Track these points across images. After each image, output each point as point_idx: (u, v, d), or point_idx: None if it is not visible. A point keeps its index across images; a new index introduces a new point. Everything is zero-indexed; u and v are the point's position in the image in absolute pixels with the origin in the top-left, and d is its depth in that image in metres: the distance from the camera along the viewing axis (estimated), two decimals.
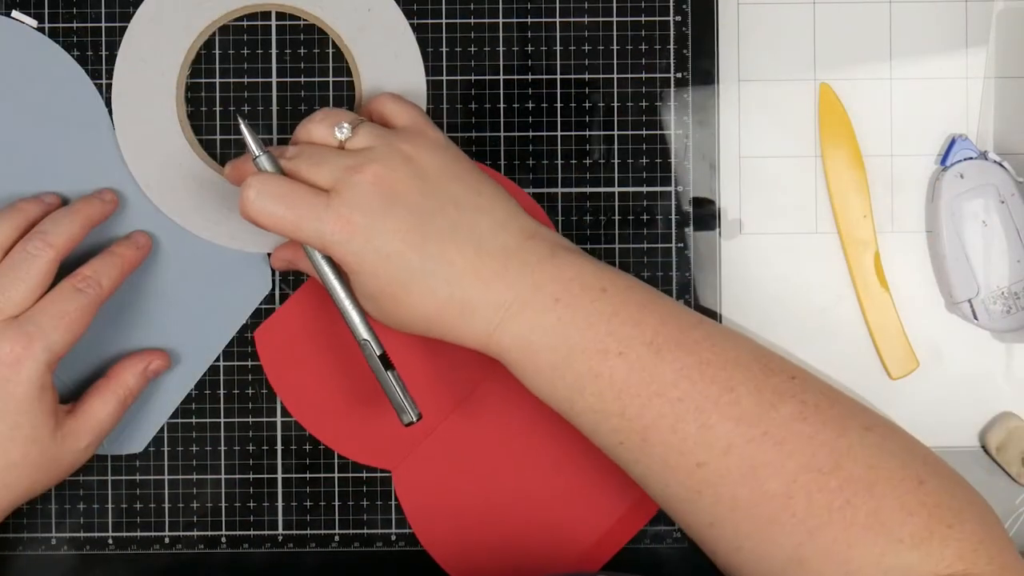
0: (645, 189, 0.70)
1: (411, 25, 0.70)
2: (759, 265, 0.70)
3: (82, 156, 0.69)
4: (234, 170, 0.65)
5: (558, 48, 0.70)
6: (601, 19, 0.70)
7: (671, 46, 0.70)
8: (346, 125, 0.62)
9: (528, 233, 0.61)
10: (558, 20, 0.70)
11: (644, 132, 0.70)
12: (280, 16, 0.70)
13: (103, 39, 0.70)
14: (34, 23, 0.70)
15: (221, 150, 0.70)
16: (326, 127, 0.62)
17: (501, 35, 0.70)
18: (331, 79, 0.70)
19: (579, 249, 0.62)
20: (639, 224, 0.70)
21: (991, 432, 0.69)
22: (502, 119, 0.70)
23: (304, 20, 0.70)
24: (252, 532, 0.70)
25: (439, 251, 0.59)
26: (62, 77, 0.69)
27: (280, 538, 0.70)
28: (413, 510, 0.69)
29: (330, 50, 0.70)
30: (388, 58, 0.69)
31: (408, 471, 0.69)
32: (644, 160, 0.70)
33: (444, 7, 0.70)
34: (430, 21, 0.70)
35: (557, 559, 0.69)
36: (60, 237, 0.64)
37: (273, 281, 0.70)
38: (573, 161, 0.70)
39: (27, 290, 0.62)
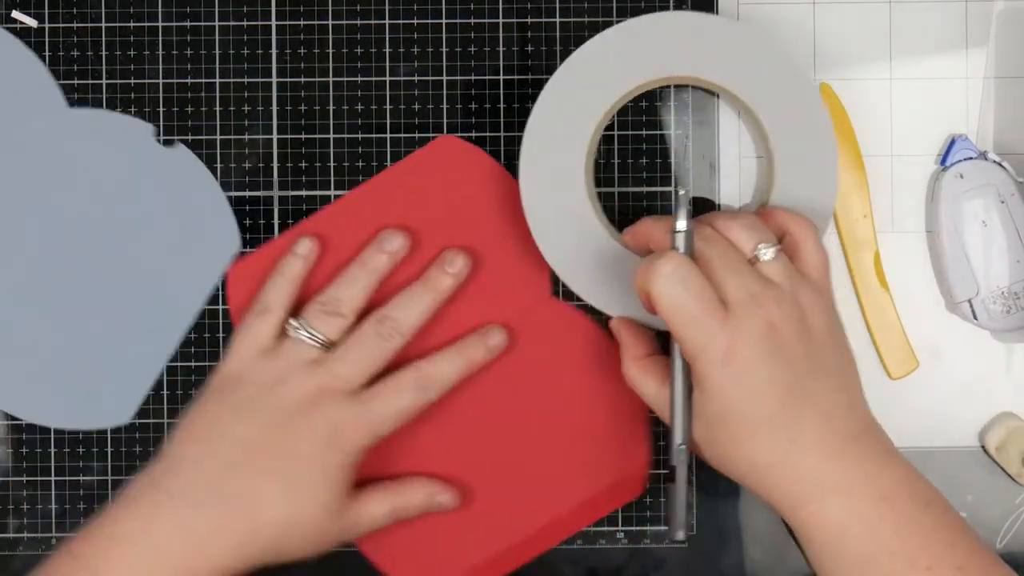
0: (645, 189, 0.70)
1: (411, 25, 0.70)
2: None
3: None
4: (634, 237, 0.66)
5: (558, 48, 0.70)
6: (601, 19, 0.70)
7: None
8: (772, 249, 0.61)
9: (867, 423, 0.62)
10: (558, 20, 0.70)
11: (644, 132, 0.70)
12: (280, 16, 0.70)
13: (103, 39, 0.70)
14: (34, 23, 0.70)
15: (221, 150, 0.70)
16: (749, 238, 0.62)
17: (501, 35, 0.70)
18: (331, 79, 0.70)
19: (903, 455, 0.63)
20: None
21: (991, 432, 0.69)
22: (502, 119, 0.70)
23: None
24: None
25: (795, 413, 0.59)
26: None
27: None
28: None
29: (330, 50, 0.70)
30: (807, 156, 0.68)
31: None
32: (644, 160, 0.70)
33: (444, 7, 0.70)
34: (430, 21, 0.70)
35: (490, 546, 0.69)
36: (409, 326, 0.66)
37: (243, 239, 0.69)
38: None
39: (371, 367, 0.65)
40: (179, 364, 0.70)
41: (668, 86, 0.69)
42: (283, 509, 0.62)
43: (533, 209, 0.67)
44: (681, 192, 0.62)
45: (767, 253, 0.61)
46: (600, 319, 0.68)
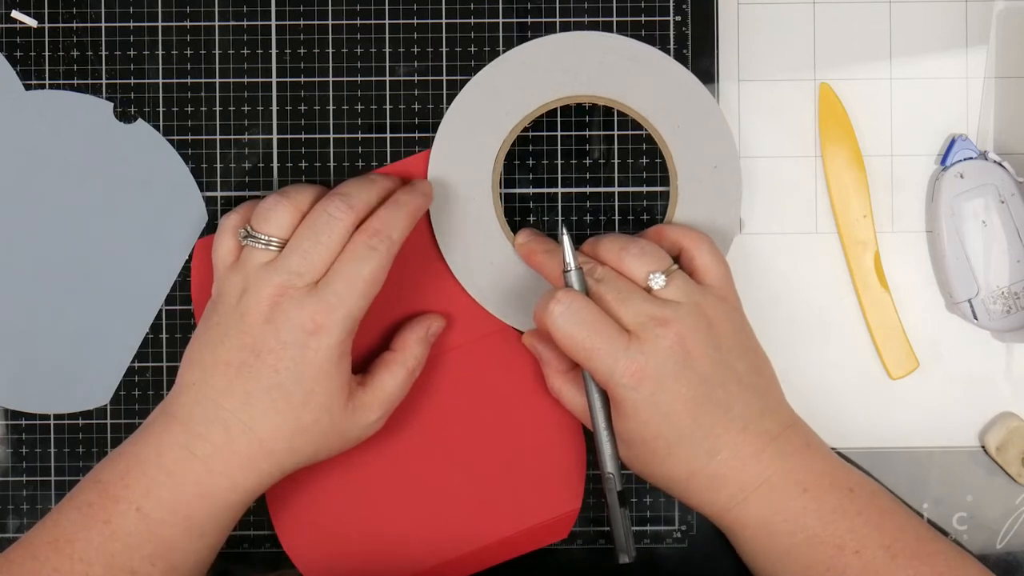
0: (645, 189, 0.70)
1: (411, 25, 0.70)
2: (759, 265, 0.70)
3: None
4: (530, 254, 0.66)
5: None
6: (601, 19, 0.70)
7: (671, 46, 0.70)
8: (662, 278, 0.62)
9: (788, 422, 0.63)
10: (558, 20, 0.70)
11: (644, 132, 0.70)
12: (280, 16, 0.70)
13: (103, 39, 0.70)
14: (34, 23, 0.70)
15: (221, 150, 0.70)
16: (641, 266, 0.62)
17: (501, 35, 0.70)
18: (331, 79, 0.70)
19: (828, 447, 0.64)
20: (639, 224, 0.70)
21: (991, 432, 0.69)
22: None
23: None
24: (252, 532, 0.70)
25: (710, 423, 0.61)
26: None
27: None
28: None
29: (330, 50, 0.70)
30: (707, 169, 0.69)
31: None
32: (644, 160, 0.70)
33: (444, 7, 0.70)
34: (430, 21, 0.70)
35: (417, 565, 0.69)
36: (360, 201, 0.63)
37: (208, 212, 0.70)
38: (573, 161, 0.70)
39: (327, 253, 0.61)
40: (163, 350, 0.70)
41: (571, 105, 0.69)
42: (281, 426, 0.61)
43: (440, 223, 0.69)
44: (564, 231, 0.63)
45: (658, 281, 0.62)
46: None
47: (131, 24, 0.70)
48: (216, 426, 0.61)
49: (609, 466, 0.63)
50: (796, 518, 0.61)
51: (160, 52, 0.70)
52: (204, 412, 0.61)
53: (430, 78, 0.70)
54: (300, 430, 0.62)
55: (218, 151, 0.70)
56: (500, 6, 0.70)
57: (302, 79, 0.70)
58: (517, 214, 0.70)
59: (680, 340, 0.60)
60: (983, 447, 0.70)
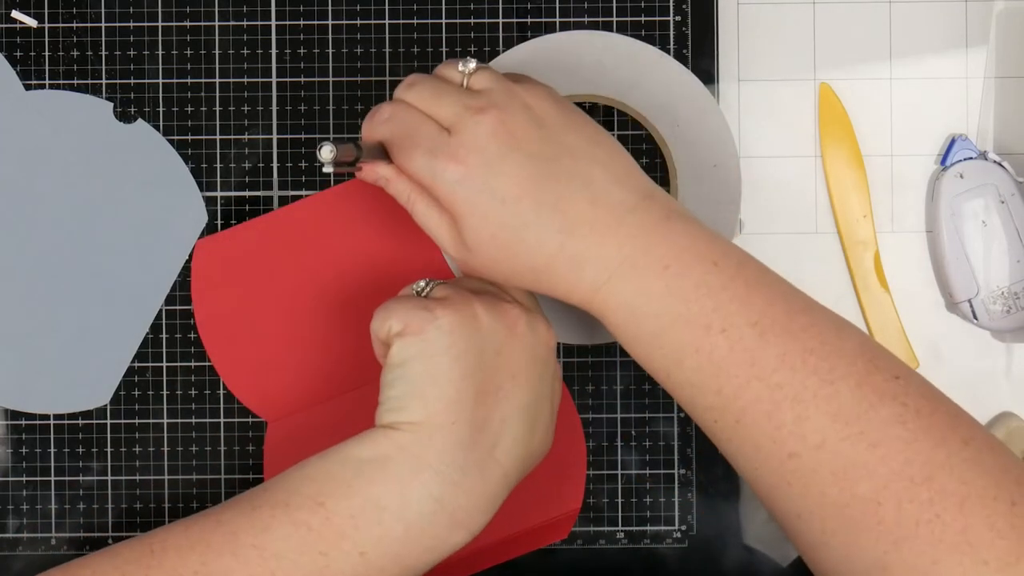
0: None
1: (411, 25, 0.70)
2: None
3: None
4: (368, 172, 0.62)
5: None
6: (601, 19, 0.70)
7: (671, 46, 0.70)
8: (472, 61, 0.60)
9: (644, 192, 0.59)
10: (558, 20, 0.70)
11: (644, 132, 0.70)
12: (280, 16, 0.70)
13: (103, 39, 0.70)
14: (34, 23, 0.70)
15: (221, 150, 0.70)
16: (450, 67, 0.61)
17: (501, 35, 0.70)
18: (331, 79, 0.70)
19: (694, 217, 0.60)
20: None
21: (991, 432, 0.69)
22: None
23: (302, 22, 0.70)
24: None
25: (554, 199, 0.57)
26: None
27: None
28: (275, 467, 0.68)
29: (330, 50, 0.70)
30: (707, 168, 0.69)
31: (283, 429, 0.69)
32: (644, 160, 0.70)
33: (444, 7, 0.70)
34: (430, 21, 0.70)
35: None
36: None
37: (208, 212, 0.70)
38: None
39: None
40: (163, 350, 0.70)
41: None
42: (533, 450, 0.59)
43: None
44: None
45: (468, 66, 0.60)
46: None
47: (131, 24, 0.70)
48: (472, 471, 0.56)
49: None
50: (660, 298, 0.57)
51: (160, 52, 0.70)
52: (464, 457, 0.56)
53: None
54: (546, 442, 0.61)
55: (218, 151, 0.70)
56: (500, 6, 0.70)
57: (302, 79, 0.70)
58: None
59: (500, 123, 0.58)
60: None
